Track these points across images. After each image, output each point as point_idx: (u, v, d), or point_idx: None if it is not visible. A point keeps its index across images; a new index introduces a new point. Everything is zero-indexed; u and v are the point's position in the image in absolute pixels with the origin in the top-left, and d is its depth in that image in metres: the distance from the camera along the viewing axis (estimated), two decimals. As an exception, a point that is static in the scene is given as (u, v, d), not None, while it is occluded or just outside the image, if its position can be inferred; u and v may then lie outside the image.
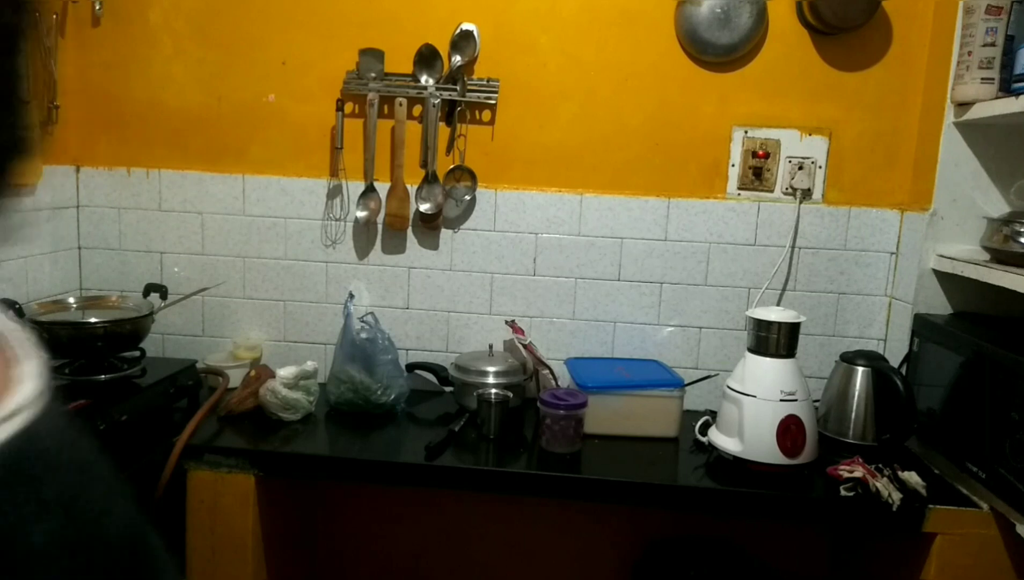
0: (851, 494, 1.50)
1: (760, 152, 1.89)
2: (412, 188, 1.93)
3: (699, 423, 1.74)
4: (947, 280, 1.72)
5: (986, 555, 1.48)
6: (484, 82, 1.89)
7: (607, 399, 1.72)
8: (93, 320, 1.68)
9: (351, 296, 1.91)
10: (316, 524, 2.11)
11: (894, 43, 1.85)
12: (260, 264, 2.00)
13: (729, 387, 1.61)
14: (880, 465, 1.56)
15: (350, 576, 2.14)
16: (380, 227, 1.98)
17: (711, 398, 1.88)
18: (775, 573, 1.87)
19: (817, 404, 1.69)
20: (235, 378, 1.85)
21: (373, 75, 1.88)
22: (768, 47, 1.86)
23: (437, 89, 1.87)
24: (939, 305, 1.74)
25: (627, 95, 1.90)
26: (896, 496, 1.46)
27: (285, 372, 1.72)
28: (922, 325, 1.70)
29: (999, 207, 1.69)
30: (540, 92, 1.91)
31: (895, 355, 1.80)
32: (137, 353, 1.73)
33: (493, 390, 1.71)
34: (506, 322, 1.96)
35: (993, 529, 1.47)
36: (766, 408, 1.54)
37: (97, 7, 1.92)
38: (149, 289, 1.81)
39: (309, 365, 1.77)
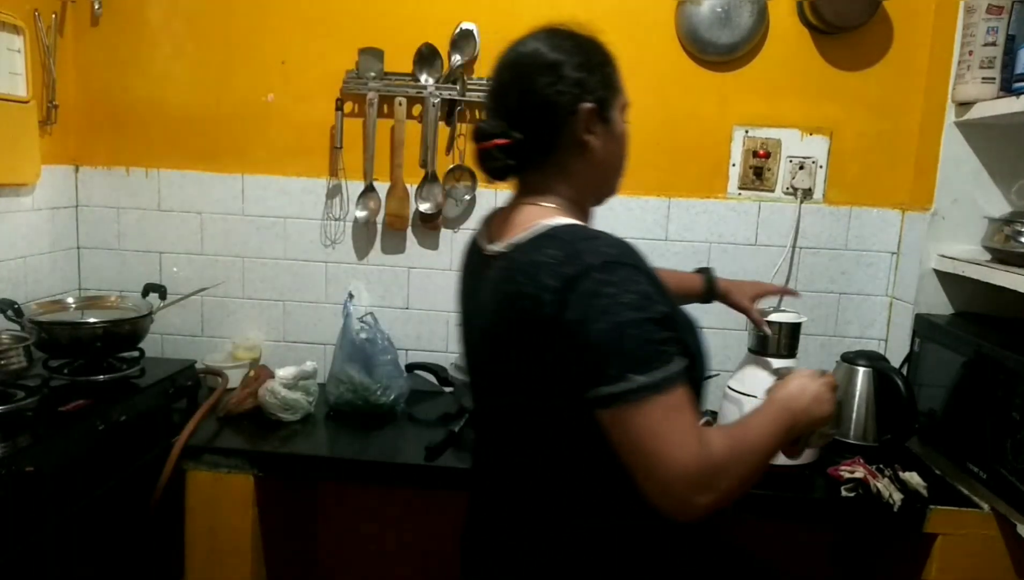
0: (852, 494, 1.49)
1: (761, 152, 1.89)
2: (412, 188, 1.93)
3: (699, 423, 1.73)
4: (948, 280, 1.72)
5: (987, 555, 1.48)
6: (484, 81, 1.88)
7: (607, 399, 1.71)
8: (92, 320, 1.68)
9: (351, 296, 1.91)
10: (316, 524, 2.10)
11: (895, 43, 1.84)
12: (259, 264, 2.00)
13: (730, 387, 1.61)
14: (881, 465, 1.56)
15: (349, 576, 2.14)
16: (380, 227, 1.97)
17: (711, 398, 1.87)
18: (775, 573, 1.86)
19: (818, 404, 1.68)
20: (234, 378, 1.85)
21: (373, 74, 1.87)
22: (769, 47, 1.86)
23: (437, 88, 1.87)
24: (940, 305, 1.74)
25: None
26: (897, 496, 1.46)
27: (284, 372, 1.72)
28: (923, 325, 1.70)
29: (1000, 207, 1.69)
30: (540, 92, 1.90)
31: (896, 355, 1.80)
32: (136, 353, 1.72)
33: (493, 390, 1.71)
34: (506, 322, 1.95)
35: (994, 529, 1.47)
36: (767, 408, 1.53)
37: (97, 7, 1.91)
38: (148, 289, 1.81)
39: (308, 365, 1.77)
